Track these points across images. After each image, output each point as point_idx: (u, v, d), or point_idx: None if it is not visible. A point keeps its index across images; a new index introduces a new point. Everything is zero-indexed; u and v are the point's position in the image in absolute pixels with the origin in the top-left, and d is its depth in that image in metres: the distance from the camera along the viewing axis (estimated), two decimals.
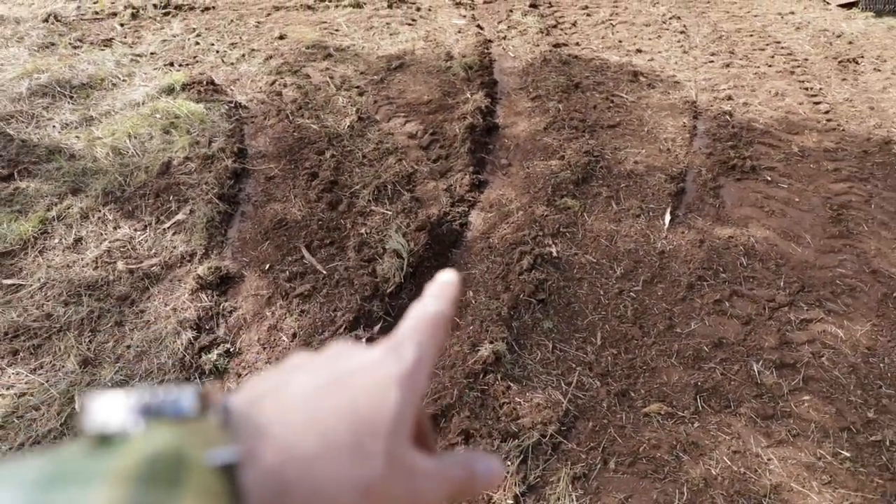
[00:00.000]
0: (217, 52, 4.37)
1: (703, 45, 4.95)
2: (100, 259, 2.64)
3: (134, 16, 4.80)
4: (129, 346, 2.30)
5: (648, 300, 2.59)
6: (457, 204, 3.05)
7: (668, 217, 3.01)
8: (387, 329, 2.40)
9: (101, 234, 2.77)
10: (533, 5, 5.51)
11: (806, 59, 4.75)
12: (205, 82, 3.86)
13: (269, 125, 3.57)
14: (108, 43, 4.38)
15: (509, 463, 1.97)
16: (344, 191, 3.09)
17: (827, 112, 4.01)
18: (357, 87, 3.98)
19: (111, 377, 2.18)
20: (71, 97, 3.68)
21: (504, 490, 1.91)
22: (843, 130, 3.82)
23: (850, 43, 5.03)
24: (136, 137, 3.34)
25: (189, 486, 0.23)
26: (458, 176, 3.20)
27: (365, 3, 5.34)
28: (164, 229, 2.82)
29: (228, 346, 2.33)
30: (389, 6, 5.31)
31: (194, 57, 4.29)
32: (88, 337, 2.32)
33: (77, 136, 3.35)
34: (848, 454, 2.05)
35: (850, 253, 2.87)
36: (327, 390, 0.31)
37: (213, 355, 2.27)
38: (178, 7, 5.02)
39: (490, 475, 0.36)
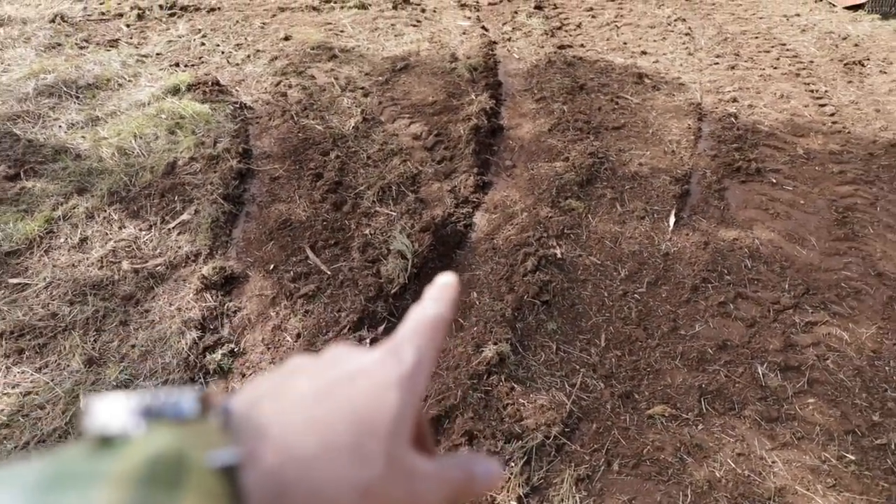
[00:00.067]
0: (222, 52, 4.38)
1: (708, 47, 4.94)
2: (105, 259, 2.65)
3: (140, 17, 4.82)
4: (133, 346, 2.31)
5: (653, 302, 2.58)
6: (461, 205, 3.05)
7: (672, 219, 3.00)
8: (391, 330, 2.40)
9: (107, 234, 2.78)
10: (538, 7, 5.50)
11: (811, 62, 4.73)
12: (210, 83, 3.87)
13: (273, 126, 3.58)
14: (114, 43, 4.40)
15: (513, 464, 1.96)
16: (348, 191, 3.10)
17: (832, 114, 3.99)
18: (362, 88, 3.98)
19: (116, 376, 2.18)
20: (77, 97, 3.70)
21: (508, 491, 1.91)
22: (848, 133, 3.81)
23: (856, 45, 5.00)
24: (141, 138, 3.35)
25: (190, 488, 0.23)
26: (462, 177, 3.20)
27: (370, 5, 5.34)
28: (169, 229, 2.83)
29: (233, 346, 2.34)
30: (394, 7, 5.32)
31: (200, 58, 4.31)
32: (93, 336, 2.33)
33: (83, 137, 3.37)
34: (853, 457, 2.04)
35: (855, 255, 2.86)
36: (327, 392, 0.31)
37: (218, 355, 2.28)
38: (184, 8, 5.04)
39: (489, 477, 0.36)
